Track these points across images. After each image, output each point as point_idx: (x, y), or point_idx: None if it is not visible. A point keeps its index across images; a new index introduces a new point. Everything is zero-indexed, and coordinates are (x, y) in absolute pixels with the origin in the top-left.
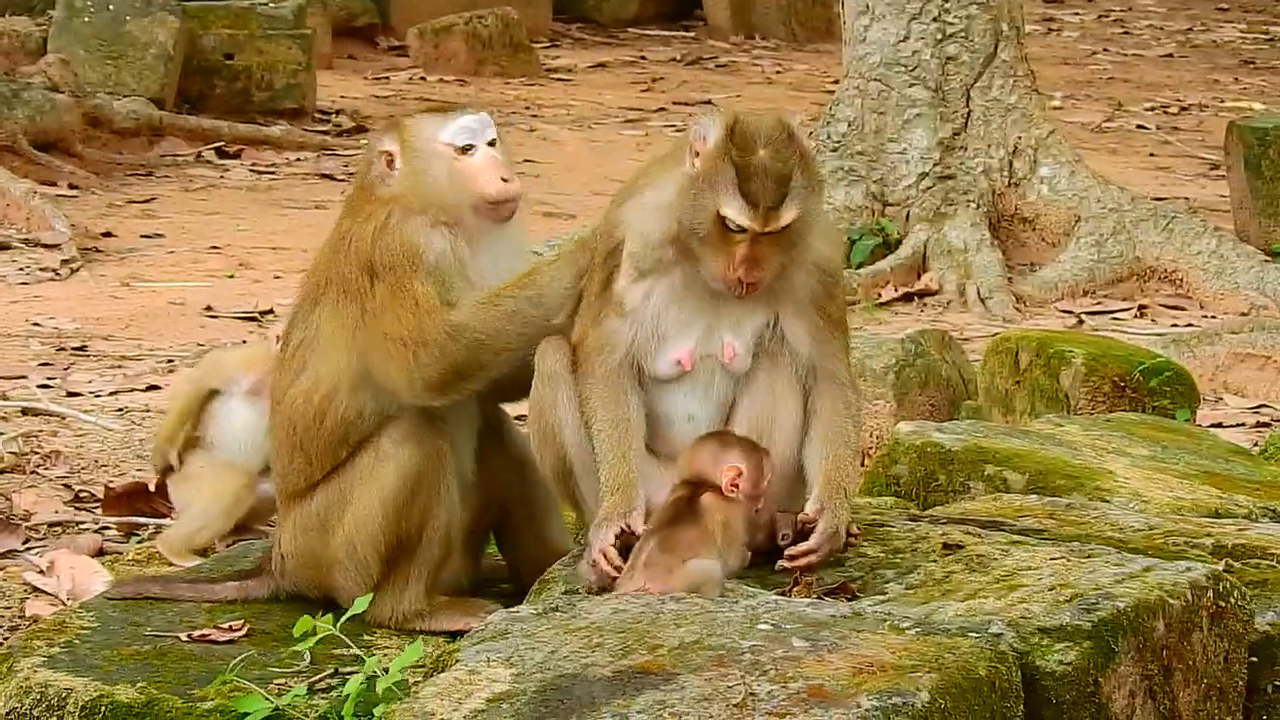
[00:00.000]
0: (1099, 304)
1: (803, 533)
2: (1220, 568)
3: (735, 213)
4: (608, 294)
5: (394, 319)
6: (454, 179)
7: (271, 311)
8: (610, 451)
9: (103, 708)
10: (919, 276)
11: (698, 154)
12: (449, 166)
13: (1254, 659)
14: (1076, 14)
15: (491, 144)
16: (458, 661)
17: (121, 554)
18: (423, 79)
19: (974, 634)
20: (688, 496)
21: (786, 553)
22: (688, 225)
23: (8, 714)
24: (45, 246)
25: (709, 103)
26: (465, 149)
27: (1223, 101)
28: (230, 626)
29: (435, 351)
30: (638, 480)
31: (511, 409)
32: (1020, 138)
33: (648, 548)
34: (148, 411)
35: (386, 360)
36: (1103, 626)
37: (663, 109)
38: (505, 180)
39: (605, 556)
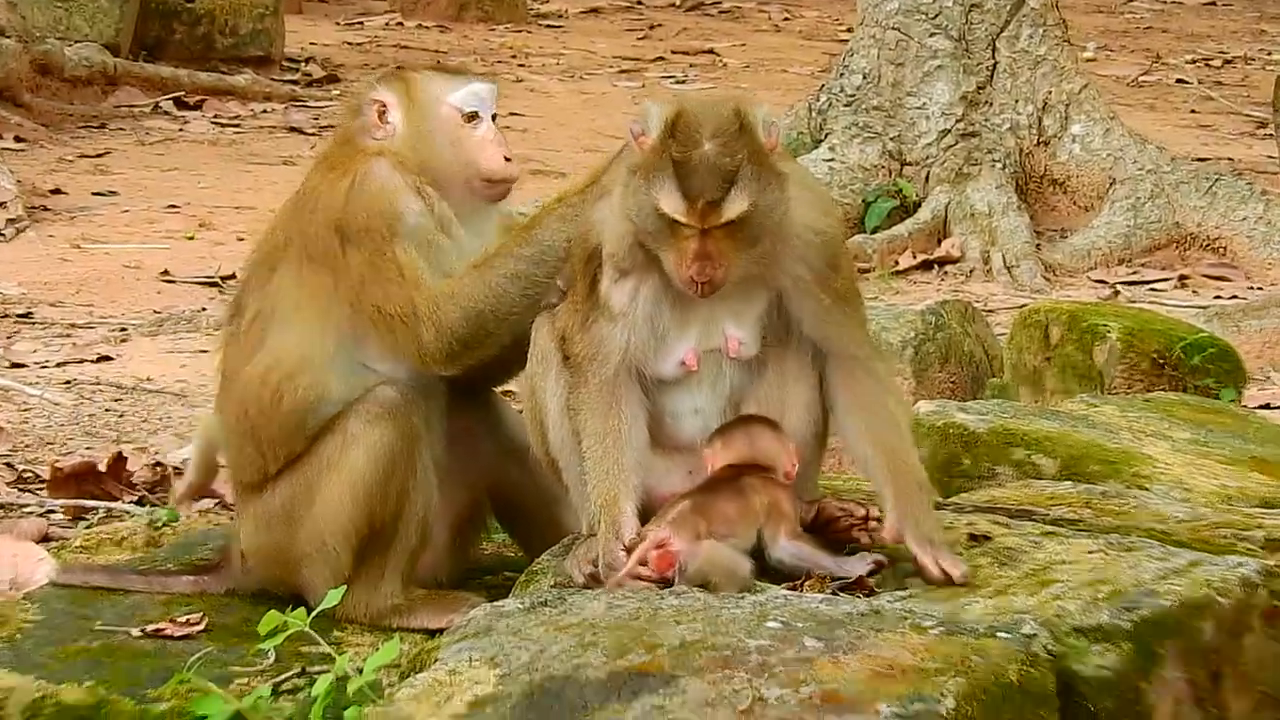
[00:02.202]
0: (1136, 274)
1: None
2: (1274, 563)
3: (671, 208)
4: (594, 298)
5: (382, 292)
6: (455, 147)
7: (233, 277)
8: (596, 468)
9: (47, 709)
10: (939, 243)
11: (641, 146)
12: (452, 132)
13: None
14: None
15: (494, 117)
16: (437, 661)
17: (68, 540)
18: (400, 25)
19: (1004, 634)
20: (735, 470)
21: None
22: (636, 221)
23: None
24: None
25: (711, 51)
26: (471, 117)
27: (1270, 54)
28: (188, 620)
29: (434, 326)
30: (626, 496)
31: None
32: (1050, 92)
33: (679, 506)
34: (98, 385)
35: (387, 337)
36: (1145, 627)
37: (661, 58)
38: (507, 159)
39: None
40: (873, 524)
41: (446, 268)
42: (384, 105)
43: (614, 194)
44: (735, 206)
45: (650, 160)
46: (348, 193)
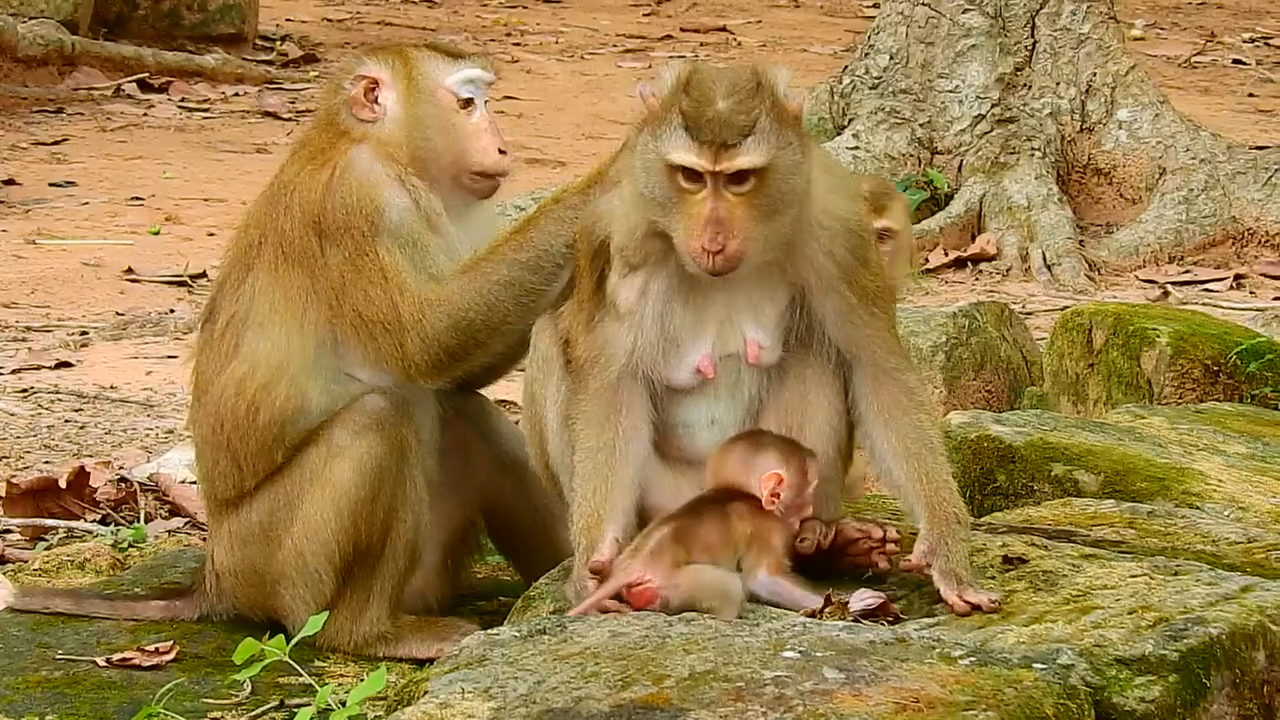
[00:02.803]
0: (1188, 272)
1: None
2: None
3: (681, 154)
4: (599, 296)
5: (364, 297)
6: (447, 134)
7: (204, 275)
8: (584, 484)
9: None
10: (973, 238)
11: (649, 108)
12: (446, 118)
13: None
14: None
15: (486, 102)
16: (426, 693)
17: (26, 562)
18: (385, 0)
19: (1039, 665)
20: (721, 495)
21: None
22: (645, 192)
23: None
24: None
25: (723, 29)
26: (466, 103)
27: None
28: (157, 649)
29: (420, 336)
30: (607, 519)
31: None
32: (1095, 74)
33: (658, 534)
34: (57, 394)
35: (369, 344)
36: (1192, 657)
37: (669, 37)
38: (501, 152)
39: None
40: (890, 547)
41: (434, 269)
42: (374, 82)
43: (623, 185)
44: (750, 153)
45: (660, 115)
46: (326, 186)
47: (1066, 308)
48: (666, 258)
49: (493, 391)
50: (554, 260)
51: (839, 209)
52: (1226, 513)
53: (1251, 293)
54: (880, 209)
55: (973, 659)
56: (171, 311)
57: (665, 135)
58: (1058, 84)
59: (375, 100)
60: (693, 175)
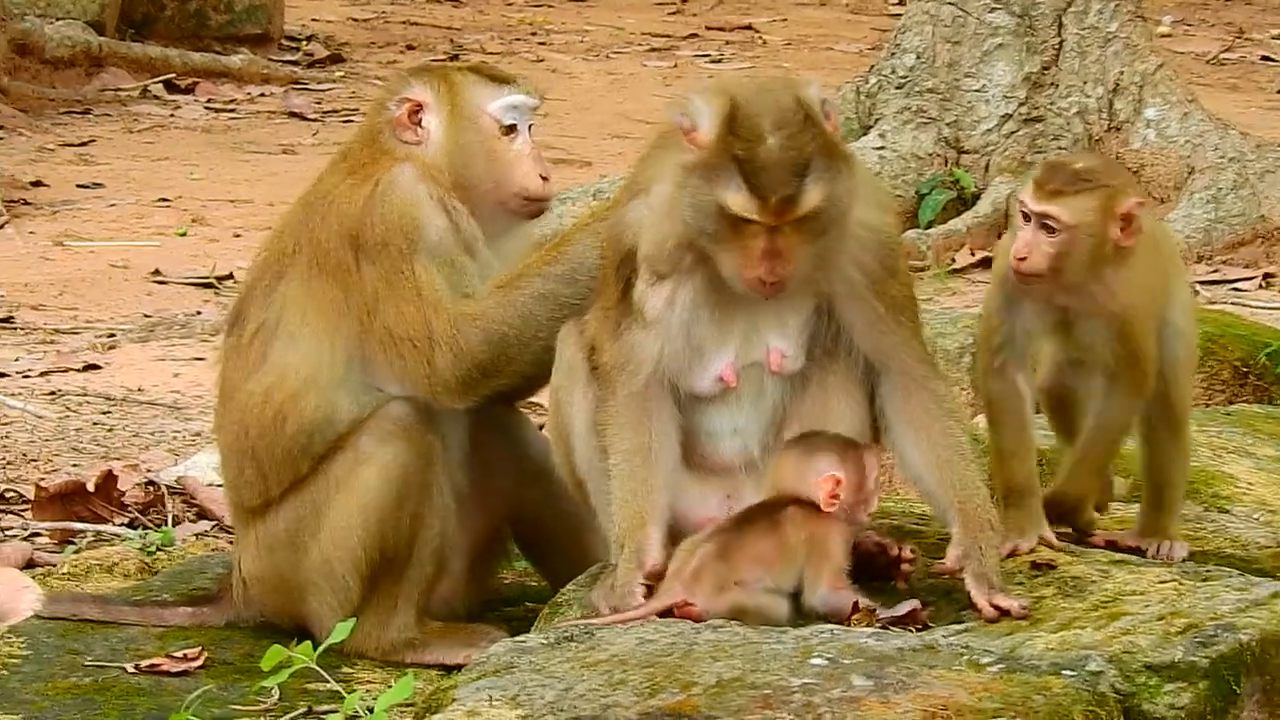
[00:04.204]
0: (1216, 272)
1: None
2: None
3: (741, 207)
4: (626, 303)
5: (396, 313)
6: (491, 161)
7: (231, 277)
8: (622, 488)
9: None
10: (1000, 238)
11: (692, 142)
12: (488, 145)
13: None
14: None
15: (530, 127)
16: (454, 700)
17: (55, 566)
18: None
19: (1068, 672)
20: (775, 502)
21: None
22: (691, 221)
23: None
24: None
25: (749, 27)
26: (509, 130)
27: None
28: (185, 655)
29: (452, 352)
30: (651, 520)
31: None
32: (1122, 72)
33: (701, 552)
34: (85, 396)
35: (395, 361)
36: (1222, 664)
37: (694, 35)
38: (544, 178)
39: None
40: (906, 567)
41: (468, 288)
42: (418, 106)
43: (652, 193)
44: (810, 200)
45: (710, 158)
46: (367, 201)
47: None
48: (694, 268)
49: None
50: (588, 273)
51: (871, 220)
52: (1256, 516)
53: None
54: None
55: (1001, 666)
56: (199, 313)
57: (720, 184)
58: (1085, 83)
59: (419, 123)
60: (747, 220)
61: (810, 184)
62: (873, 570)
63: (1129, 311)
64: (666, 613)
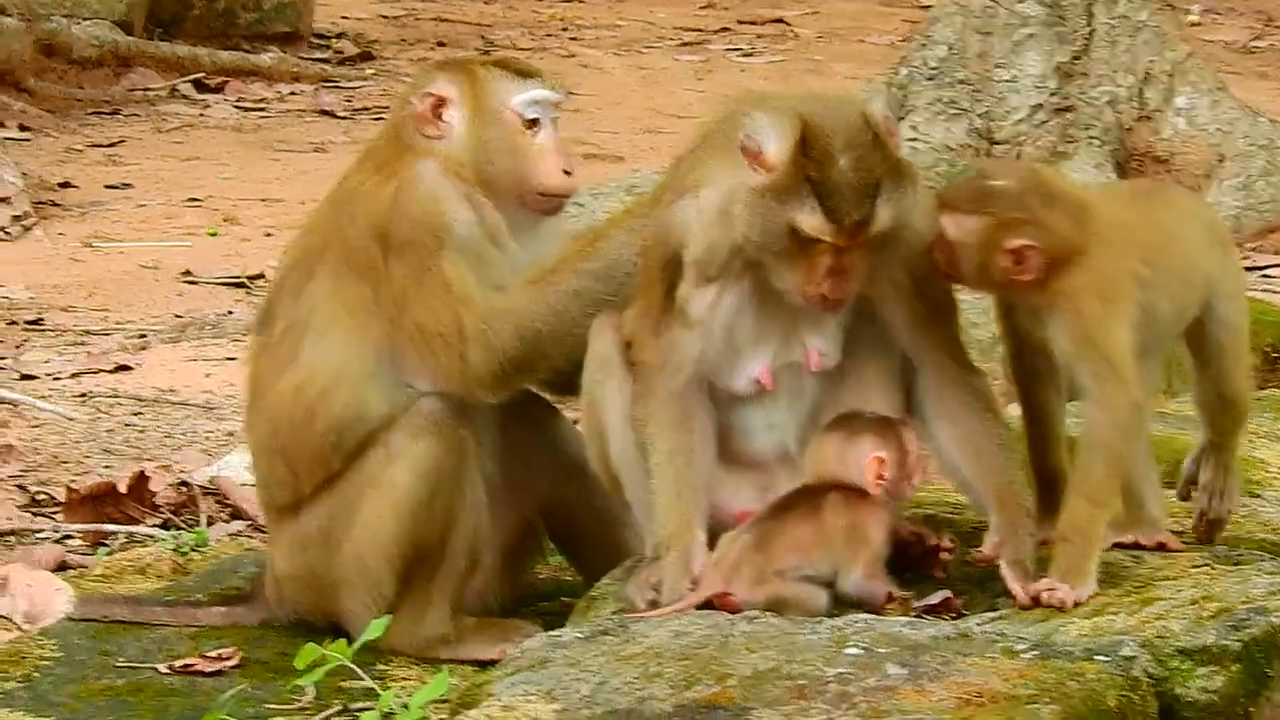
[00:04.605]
0: (1247, 259)
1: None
2: None
3: (816, 229)
4: (668, 303)
5: (425, 310)
6: (513, 155)
7: (262, 276)
8: (667, 488)
9: None
10: None
11: (759, 164)
12: (511, 139)
13: None
14: None
15: (554, 121)
16: (489, 696)
17: (87, 568)
18: None
19: (1102, 657)
20: (814, 488)
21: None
22: (757, 239)
23: None
24: None
25: (780, 20)
26: (532, 123)
27: None
28: (219, 655)
29: (484, 346)
30: (697, 522)
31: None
32: (1152, 61)
33: (740, 543)
34: (116, 397)
35: (428, 357)
36: (1255, 647)
37: (726, 29)
38: (567, 173)
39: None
40: (945, 556)
41: (498, 283)
42: (441, 100)
43: (701, 196)
44: (882, 221)
45: (782, 180)
46: (393, 198)
47: None
48: (742, 273)
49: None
50: (623, 270)
51: (919, 224)
52: None
53: None
54: None
55: (1035, 652)
56: (230, 313)
57: (794, 206)
58: (1115, 72)
59: (441, 118)
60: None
61: (882, 205)
62: (907, 560)
63: (1082, 314)
64: (705, 604)
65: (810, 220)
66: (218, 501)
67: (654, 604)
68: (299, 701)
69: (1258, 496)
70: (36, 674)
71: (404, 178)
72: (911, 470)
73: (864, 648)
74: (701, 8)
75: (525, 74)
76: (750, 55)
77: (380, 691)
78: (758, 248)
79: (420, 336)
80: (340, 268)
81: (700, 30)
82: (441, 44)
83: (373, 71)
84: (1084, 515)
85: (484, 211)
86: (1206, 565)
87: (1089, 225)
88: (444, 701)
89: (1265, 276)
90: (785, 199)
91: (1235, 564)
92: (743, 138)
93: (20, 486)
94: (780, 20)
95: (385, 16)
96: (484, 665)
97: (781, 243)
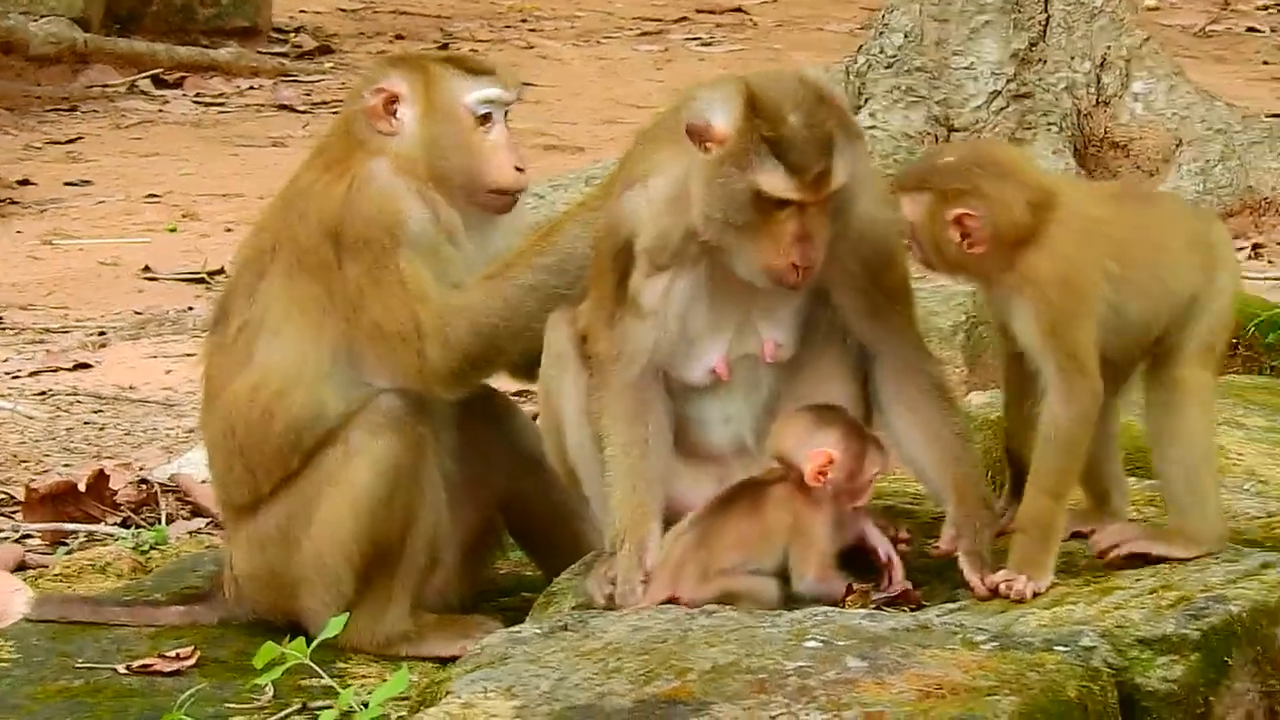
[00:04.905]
0: None
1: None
2: None
3: (779, 186)
4: (621, 294)
5: (383, 308)
6: (465, 153)
7: (222, 271)
8: (621, 481)
9: None
10: None
11: (708, 139)
12: (463, 136)
13: None
14: None
15: (507, 118)
16: (449, 693)
17: (47, 568)
18: None
19: (1061, 648)
20: (758, 481)
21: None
22: (719, 216)
23: None
24: None
25: (739, 9)
26: (484, 121)
27: None
28: (178, 655)
29: (441, 344)
30: (652, 515)
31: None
32: (1109, 47)
33: (682, 544)
34: (75, 395)
35: (386, 356)
36: (1214, 636)
37: (684, 19)
38: (519, 169)
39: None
40: (902, 546)
41: (453, 280)
42: (394, 96)
43: (650, 185)
44: (841, 173)
45: (737, 146)
46: (345, 197)
47: None
48: (695, 260)
49: (510, 384)
50: (578, 264)
51: (873, 211)
52: (1247, 487)
53: (1270, 262)
54: None
55: (995, 643)
56: (190, 309)
57: (754, 168)
58: (1072, 58)
59: (394, 114)
60: (784, 201)
61: (839, 157)
62: (869, 551)
63: (1048, 303)
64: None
65: (773, 179)
66: (178, 499)
67: (612, 599)
68: (258, 700)
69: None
70: None
71: (356, 175)
72: (859, 488)
73: (823, 641)
74: None
75: (478, 71)
76: (709, 45)
77: (340, 690)
78: (720, 226)
79: (378, 334)
80: (293, 266)
81: (659, 20)
82: (400, 37)
83: (331, 65)
84: (1042, 507)
85: (437, 208)
86: None
87: (1049, 209)
88: (404, 699)
89: None
90: (744, 164)
91: None
92: (687, 118)
93: None
94: (739, 9)
95: (344, 10)
96: (444, 662)
97: (745, 214)
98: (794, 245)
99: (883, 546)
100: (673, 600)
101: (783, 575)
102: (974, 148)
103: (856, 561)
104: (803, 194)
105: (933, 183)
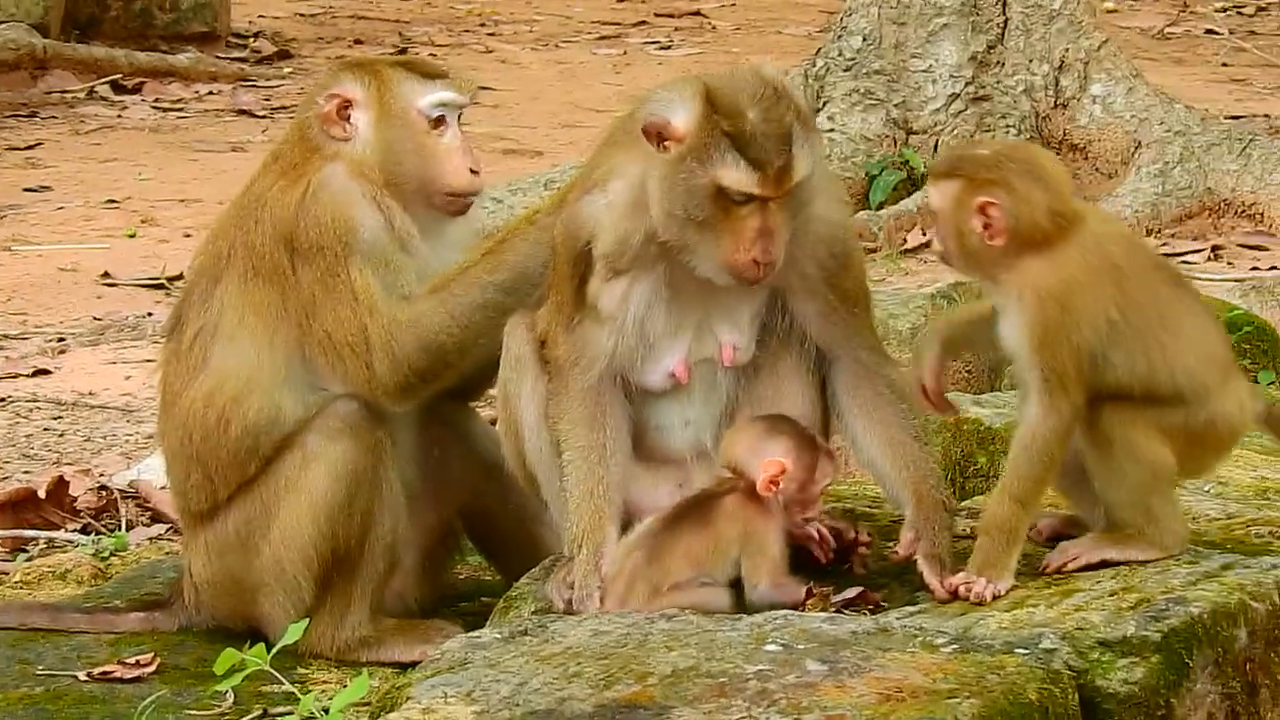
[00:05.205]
0: (1165, 244)
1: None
2: None
3: (741, 180)
4: (580, 298)
5: (334, 317)
6: (419, 156)
7: (180, 277)
8: (579, 486)
9: None
10: None
11: (668, 137)
12: (417, 140)
13: None
14: None
15: (460, 121)
16: (409, 698)
17: (7, 575)
18: None
19: (1022, 650)
20: (708, 494)
21: None
22: (680, 213)
23: None
24: None
25: (697, 13)
26: (438, 124)
27: None
28: (138, 661)
29: (389, 357)
30: (609, 520)
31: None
32: (1067, 49)
33: (632, 561)
34: (35, 402)
35: (336, 364)
36: (1174, 637)
37: (643, 22)
38: (474, 171)
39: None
40: (863, 551)
41: (405, 290)
42: (347, 102)
43: (609, 189)
44: (802, 167)
45: (697, 142)
46: (299, 203)
47: None
48: (653, 264)
49: None
50: (529, 281)
51: (828, 213)
52: (1206, 489)
53: (1229, 264)
54: None
55: (955, 646)
56: (150, 315)
57: (715, 163)
58: (1031, 61)
59: (347, 119)
60: (745, 195)
61: (799, 151)
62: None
63: (1043, 316)
64: None
65: (734, 174)
66: (138, 505)
67: (572, 603)
68: (219, 707)
69: (1176, 485)
70: None
71: (311, 181)
72: (808, 500)
73: (783, 644)
74: (619, 1)
75: (431, 75)
76: (668, 48)
77: (300, 695)
78: (680, 224)
79: (329, 343)
80: (247, 273)
81: (617, 24)
82: (359, 41)
83: (290, 70)
84: (1009, 513)
85: (392, 214)
86: None
87: (1071, 227)
88: (364, 704)
89: (1184, 262)
90: (705, 160)
91: None
92: (645, 118)
93: None
94: (697, 12)
95: (302, 15)
96: (404, 667)
97: (706, 210)
98: (755, 241)
99: (834, 528)
100: None
101: (736, 585)
102: (1013, 145)
103: (813, 564)
104: (764, 188)
105: (964, 169)
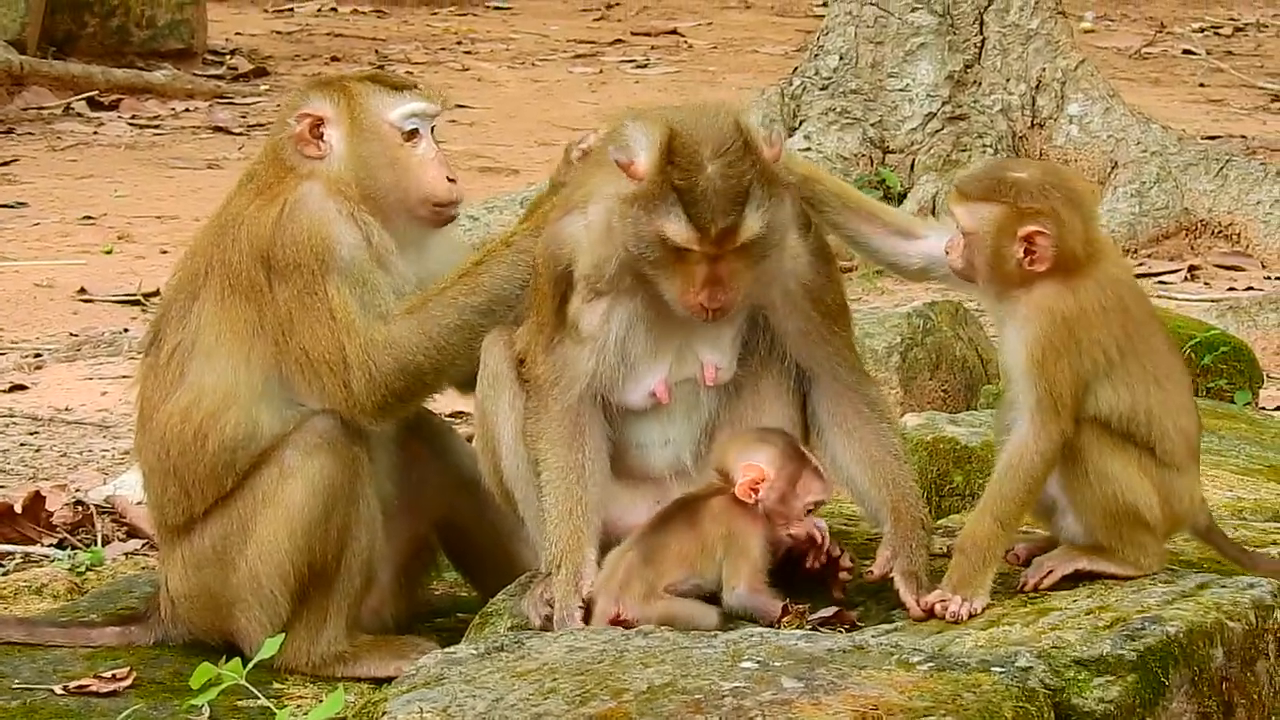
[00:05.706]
0: (1142, 265)
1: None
2: None
3: (681, 238)
4: (560, 318)
5: (311, 335)
6: (395, 169)
7: (157, 293)
8: (558, 505)
9: None
10: None
11: (631, 175)
12: (391, 153)
13: None
14: None
15: (433, 131)
16: (385, 714)
17: None
18: (334, 10)
19: (998, 669)
20: (697, 496)
21: None
22: (633, 250)
23: None
24: None
25: (674, 32)
26: (410, 135)
27: None
28: (114, 675)
29: (366, 377)
30: (588, 540)
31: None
32: (1044, 69)
33: (626, 561)
34: (11, 417)
35: (313, 381)
36: (1150, 656)
37: (620, 41)
38: (451, 180)
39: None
40: (844, 575)
41: (382, 309)
42: (319, 120)
43: (589, 212)
44: (750, 229)
45: (649, 189)
46: (276, 222)
47: None
48: (633, 287)
49: (446, 405)
50: (505, 303)
51: (798, 246)
52: None
53: (1205, 284)
54: None
55: (931, 664)
56: (126, 331)
57: (660, 215)
58: (1008, 80)
59: (320, 137)
60: (687, 250)
61: (750, 213)
62: (808, 571)
63: (1048, 337)
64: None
65: (676, 229)
66: (114, 520)
67: (548, 620)
68: None
69: None
70: None
71: (288, 200)
72: (790, 513)
73: (759, 661)
74: (595, 20)
75: (400, 87)
76: (644, 67)
77: (276, 710)
78: (635, 259)
79: (306, 361)
80: (224, 290)
81: (594, 42)
82: (336, 59)
83: (267, 87)
84: (988, 532)
85: (370, 231)
86: None
87: (1093, 259)
88: (340, 719)
89: (1160, 282)
90: (653, 208)
91: None
92: (612, 150)
93: None
94: (674, 31)
95: (279, 32)
96: (380, 683)
97: (655, 252)
98: (704, 288)
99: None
100: (617, 618)
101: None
102: (1047, 170)
103: (790, 581)
104: (704, 247)
105: (1007, 196)
